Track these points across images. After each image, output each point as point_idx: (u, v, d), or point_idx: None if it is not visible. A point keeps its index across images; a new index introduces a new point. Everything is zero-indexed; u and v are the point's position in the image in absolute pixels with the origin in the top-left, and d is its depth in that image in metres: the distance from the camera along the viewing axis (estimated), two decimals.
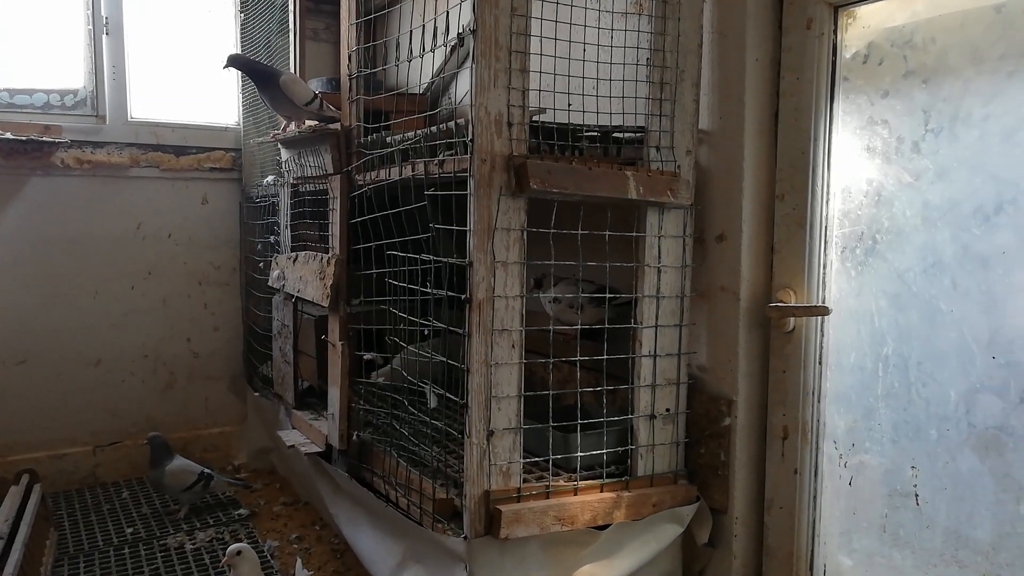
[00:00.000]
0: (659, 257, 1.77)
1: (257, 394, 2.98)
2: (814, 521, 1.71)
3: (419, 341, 1.83)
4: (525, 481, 1.67)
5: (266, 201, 2.93)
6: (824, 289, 1.67)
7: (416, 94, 2.84)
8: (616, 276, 1.71)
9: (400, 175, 1.85)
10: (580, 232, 1.66)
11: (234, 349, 3.36)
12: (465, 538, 1.60)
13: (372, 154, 1.99)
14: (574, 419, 1.69)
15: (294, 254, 2.46)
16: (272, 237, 2.85)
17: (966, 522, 1.42)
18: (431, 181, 1.71)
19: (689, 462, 1.86)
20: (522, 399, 1.63)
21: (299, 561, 2.04)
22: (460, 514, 1.72)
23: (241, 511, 2.73)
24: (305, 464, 2.60)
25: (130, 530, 2.56)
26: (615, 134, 1.79)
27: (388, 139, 1.96)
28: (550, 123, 1.69)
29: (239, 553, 1.92)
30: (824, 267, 1.66)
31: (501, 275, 1.59)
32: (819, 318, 1.66)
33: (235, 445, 3.36)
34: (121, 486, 3.00)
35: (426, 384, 1.76)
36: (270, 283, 2.68)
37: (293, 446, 2.36)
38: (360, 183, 2.08)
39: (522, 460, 1.65)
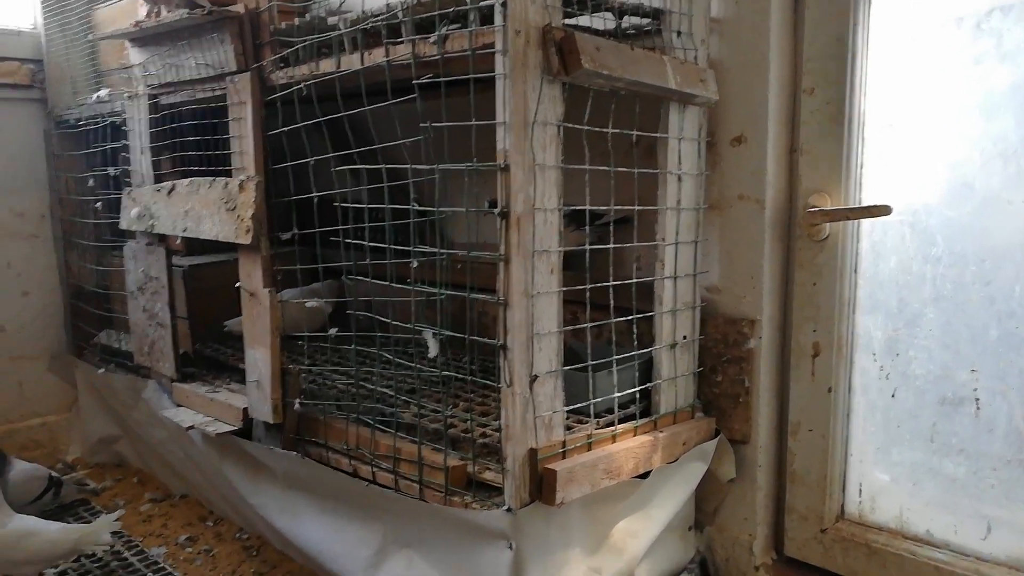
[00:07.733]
0: (679, 163, 1.54)
1: (102, 370, 2.36)
2: (847, 440, 1.61)
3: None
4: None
5: (96, 123, 2.28)
6: (860, 191, 1.54)
7: None
8: (594, 195, 1.42)
9: (362, 64, 1.44)
10: (610, 131, 1.38)
11: (52, 317, 2.65)
12: (508, 510, 1.29)
13: (305, 41, 1.54)
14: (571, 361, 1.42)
15: (168, 184, 1.91)
16: (112, 169, 2.23)
17: None
18: (424, 66, 1.33)
19: (702, 393, 1.69)
20: (562, 335, 1.34)
21: None
22: (474, 483, 1.42)
23: (103, 517, 2.16)
24: (189, 449, 2.09)
25: None
26: (627, 15, 1.51)
27: (330, 20, 1.52)
28: None
29: None
30: (861, 167, 1.53)
31: (540, 182, 1.26)
32: (855, 222, 1.53)
33: (63, 438, 2.69)
34: None
35: (424, 328, 1.39)
36: (124, 225, 2.09)
37: (192, 427, 1.85)
38: (281, 82, 1.62)
39: (564, 408, 1.36)
